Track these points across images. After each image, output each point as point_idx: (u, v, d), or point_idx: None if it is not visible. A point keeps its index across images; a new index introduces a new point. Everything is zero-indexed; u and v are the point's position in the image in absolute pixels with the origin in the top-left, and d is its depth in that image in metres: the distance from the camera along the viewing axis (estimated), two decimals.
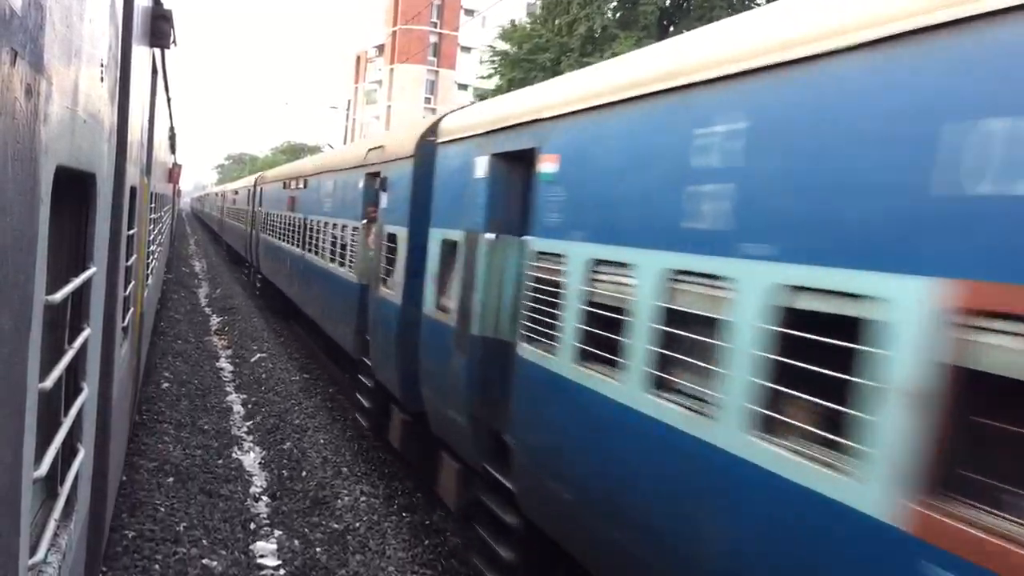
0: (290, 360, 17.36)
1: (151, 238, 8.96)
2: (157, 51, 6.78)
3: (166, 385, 13.40)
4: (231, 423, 12.33)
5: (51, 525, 2.51)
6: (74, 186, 2.86)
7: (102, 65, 3.08)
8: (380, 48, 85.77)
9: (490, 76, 32.73)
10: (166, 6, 6.11)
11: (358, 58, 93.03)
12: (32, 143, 1.79)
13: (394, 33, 78.15)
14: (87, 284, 2.99)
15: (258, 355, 17.01)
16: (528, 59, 29.22)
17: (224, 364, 16.59)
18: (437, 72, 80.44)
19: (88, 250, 3.07)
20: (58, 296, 2.32)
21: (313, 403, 13.62)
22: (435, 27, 78.28)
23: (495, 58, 32.01)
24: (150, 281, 9.25)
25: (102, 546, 4.52)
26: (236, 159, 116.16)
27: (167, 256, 21.54)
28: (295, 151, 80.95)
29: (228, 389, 14.48)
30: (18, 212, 1.70)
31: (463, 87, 77.55)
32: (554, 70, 25.72)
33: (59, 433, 2.56)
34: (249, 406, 13.37)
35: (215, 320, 22.29)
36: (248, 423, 12.47)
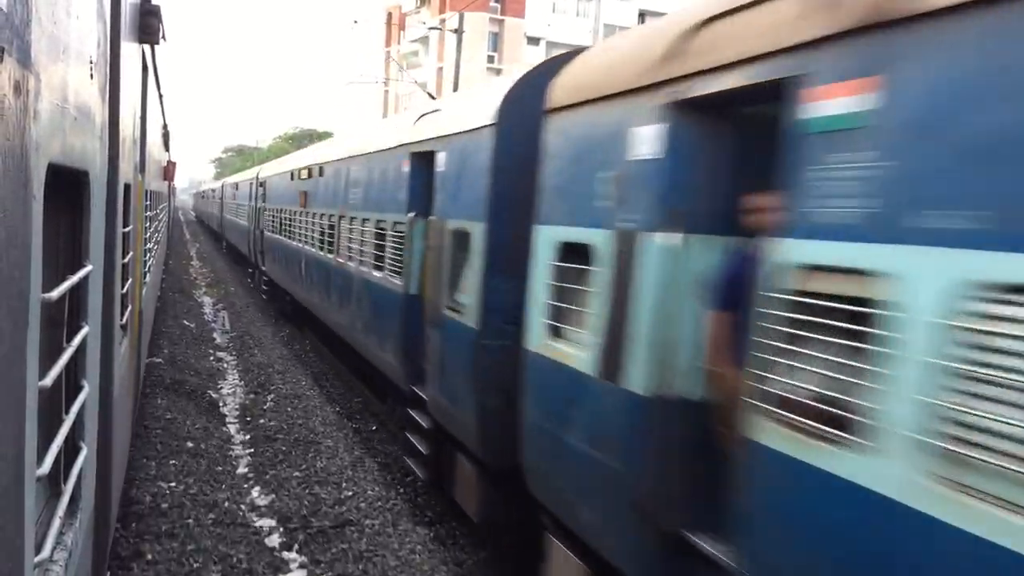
0: None
1: (147, 235, 8.95)
2: (147, 47, 6.75)
3: None
4: None
5: (56, 523, 2.51)
6: (67, 184, 2.85)
7: (91, 62, 3.06)
8: None
9: None
10: (154, 1, 6.08)
11: (389, 15, 72.61)
12: (23, 140, 1.78)
13: None
14: (84, 282, 2.99)
15: None
16: None
17: None
18: (502, 22, 61.65)
19: (83, 248, 3.06)
20: (55, 294, 2.32)
21: None
22: None
23: None
24: (148, 279, 9.25)
25: (108, 543, 4.54)
26: (236, 151, 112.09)
27: (163, 261, 19.75)
28: (304, 138, 69.76)
29: None
30: (11, 210, 1.70)
31: (534, 41, 61.97)
32: None
33: (60, 431, 2.56)
34: None
35: None
36: None
